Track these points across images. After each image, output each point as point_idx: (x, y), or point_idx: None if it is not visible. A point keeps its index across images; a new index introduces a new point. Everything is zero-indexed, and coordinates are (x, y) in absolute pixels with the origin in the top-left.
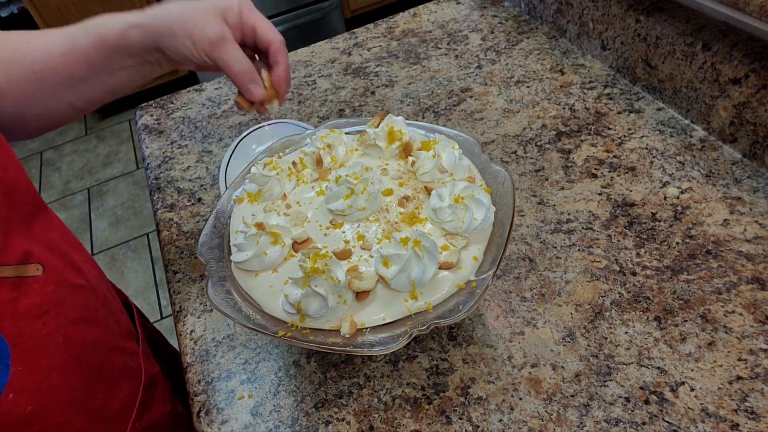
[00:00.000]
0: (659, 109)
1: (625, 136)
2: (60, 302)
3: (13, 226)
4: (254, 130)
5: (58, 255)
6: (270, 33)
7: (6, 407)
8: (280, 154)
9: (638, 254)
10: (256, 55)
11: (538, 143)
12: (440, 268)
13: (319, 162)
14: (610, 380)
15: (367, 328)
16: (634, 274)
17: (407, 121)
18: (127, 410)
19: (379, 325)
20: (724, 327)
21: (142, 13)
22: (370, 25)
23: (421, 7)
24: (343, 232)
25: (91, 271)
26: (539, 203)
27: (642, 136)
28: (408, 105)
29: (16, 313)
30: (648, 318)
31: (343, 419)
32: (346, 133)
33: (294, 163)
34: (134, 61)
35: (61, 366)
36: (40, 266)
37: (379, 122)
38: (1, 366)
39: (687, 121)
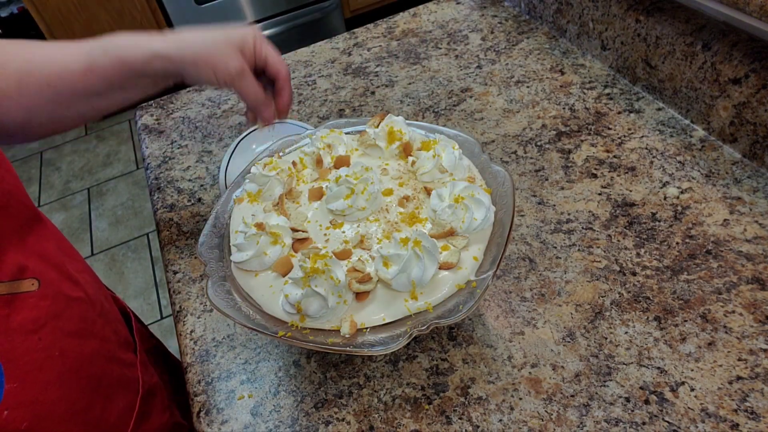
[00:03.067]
0: (659, 109)
1: (625, 136)
2: (56, 316)
3: (6, 240)
4: (254, 130)
5: (54, 267)
6: (279, 65)
7: (1, 424)
8: (280, 153)
9: (638, 254)
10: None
11: (538, 143)
12: (440, 268)
13: (319, 162)
14: (610, 380)
15: (367, 328)
16: (634, 274)
17: (407, 121)
18: (125, 421)
19: (379, 325)
20: (724, 327)
21: (164, 40)
22: (370, 25)
23: (421, 7)
24: (343, 232)
25: (88, 281)
26: (539, 203)
27: (642, 136)
28: (408, 105)
29: (8, 329)
30: (648, 318)
31: (343, 419)
32: (346, 133)
33: (294, 163)
34: (152, 81)
35: (57, 380)
36: (35, 281)
37: (379, 122)
38: None
39: (687, 121)
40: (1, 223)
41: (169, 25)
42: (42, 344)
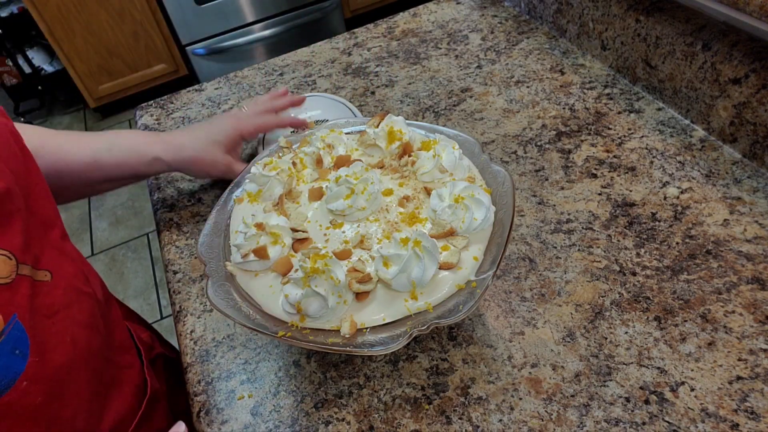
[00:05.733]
0: (659, 109)
1: (625, 136)
2: (68, 305)
3: (34, 231)
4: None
5: (70, 262)
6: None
7: (18, 394)
8: (280, 154)
9: (638, 254)
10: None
11: (538, 143)
12: (440, 268)
13: (319, 162)
14: (610, 380)
15: (367, 328)
16: (634, 274)
17: (407, 121)
18: (125, 423)
19: (379, 325)
20: (724, 327)
21: (163, 144)
22: (370, 25)
23: (421, 7)
24: (343, 232)
25: (96, 283)
26: (539, 203)
27: (642, 136)
28: (408, 105)
29: (33, 308)
30: (648, 318)
31: (343, 419)
32: (346, 133)
33: (294, 163)
34: (147, 176)
35: (68, 364)
36: (48, 273)
37: (379, 122)
38: (19, 354)
39: (687, 121)
40: (29, 213)
41: (169, 25)
42: (56, 328)
